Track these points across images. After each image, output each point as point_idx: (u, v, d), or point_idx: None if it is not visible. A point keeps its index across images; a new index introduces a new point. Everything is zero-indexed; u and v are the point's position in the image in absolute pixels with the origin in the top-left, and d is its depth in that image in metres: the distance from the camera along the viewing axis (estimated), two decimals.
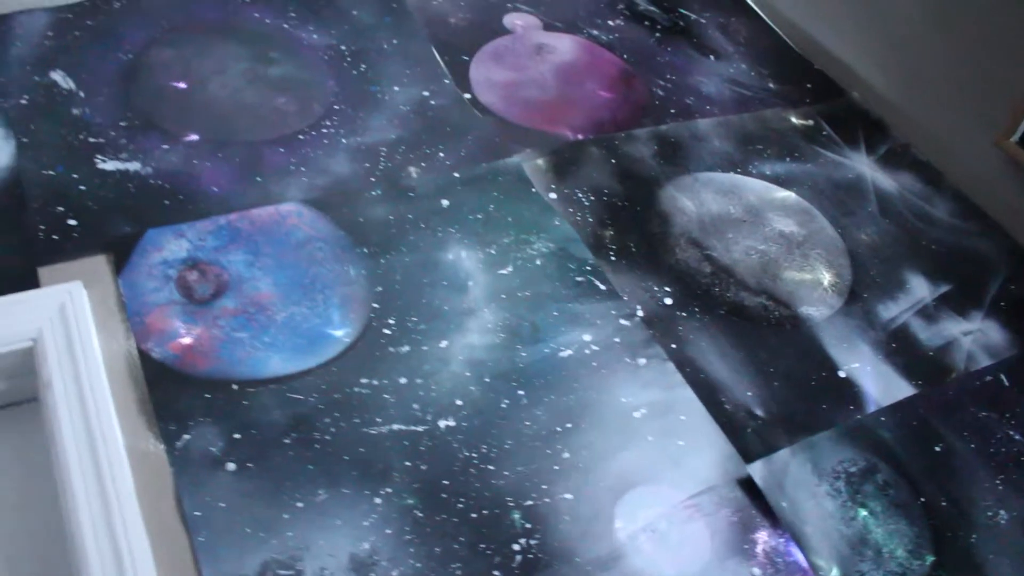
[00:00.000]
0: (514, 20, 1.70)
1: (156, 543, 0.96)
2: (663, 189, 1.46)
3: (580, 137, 1.51)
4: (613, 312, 1.25)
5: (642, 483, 1.09)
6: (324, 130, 1.41)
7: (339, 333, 1.15)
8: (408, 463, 1.04)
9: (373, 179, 1.35)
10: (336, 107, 1.45)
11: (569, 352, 1.19)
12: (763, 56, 1.81)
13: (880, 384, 1.25)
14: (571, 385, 1.16)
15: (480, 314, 1.20)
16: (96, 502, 0.97)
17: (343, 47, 1.57)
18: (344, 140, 1.40)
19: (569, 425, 1.12)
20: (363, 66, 1.54)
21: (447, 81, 1.56)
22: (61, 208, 1.24)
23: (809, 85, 1.78)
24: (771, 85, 1.74)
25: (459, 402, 1.11)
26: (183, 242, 1.22)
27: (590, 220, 1.37)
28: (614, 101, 1.60)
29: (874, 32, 1.72)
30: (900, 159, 1.65)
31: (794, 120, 1.68)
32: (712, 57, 1.78)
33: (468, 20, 1.68)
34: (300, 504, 0.99)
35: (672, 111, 1.61)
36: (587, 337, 1.21)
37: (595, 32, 1.75)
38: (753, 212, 1.47)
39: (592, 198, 1.41)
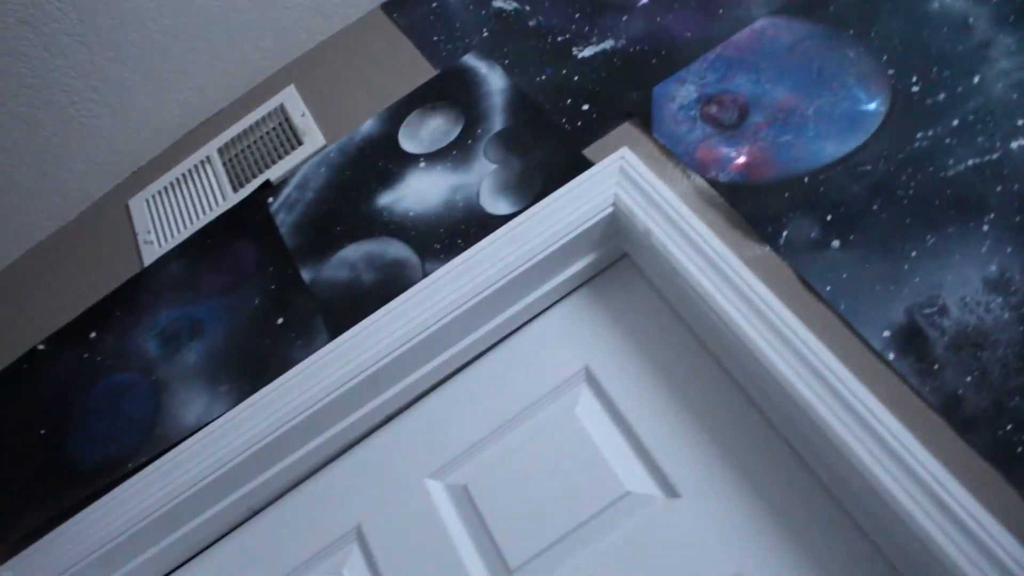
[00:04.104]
0: None
1: (807, 321, 1.09)
2: None
3: None
4: None
5: None
6: None
7: (872, 106, 1.21)
8: (999, 188, 1.09)
9: None
10: None
11: None
12: None
13: None
14: None
15: (997, 42, 1.21)
16: (742, 307, 1.11)
17: None
18: None
19: None
20: None
21: None
22: (570, 100, 1.41)
23: None
24: None
25: (1020, 122, 1.13)
26: (688, 86, 1.34)
27: None
28: None
29: None
30: None
31: None
32: None
33: None
34: (913, 253, 1.08)
35: None
36: None
37: None
38: None
39: None
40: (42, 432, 1.46)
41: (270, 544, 1.32)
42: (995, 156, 1.12)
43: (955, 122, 1.16)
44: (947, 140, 1.15)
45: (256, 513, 1.36)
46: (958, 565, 0.86)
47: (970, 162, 1.12)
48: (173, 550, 1.34)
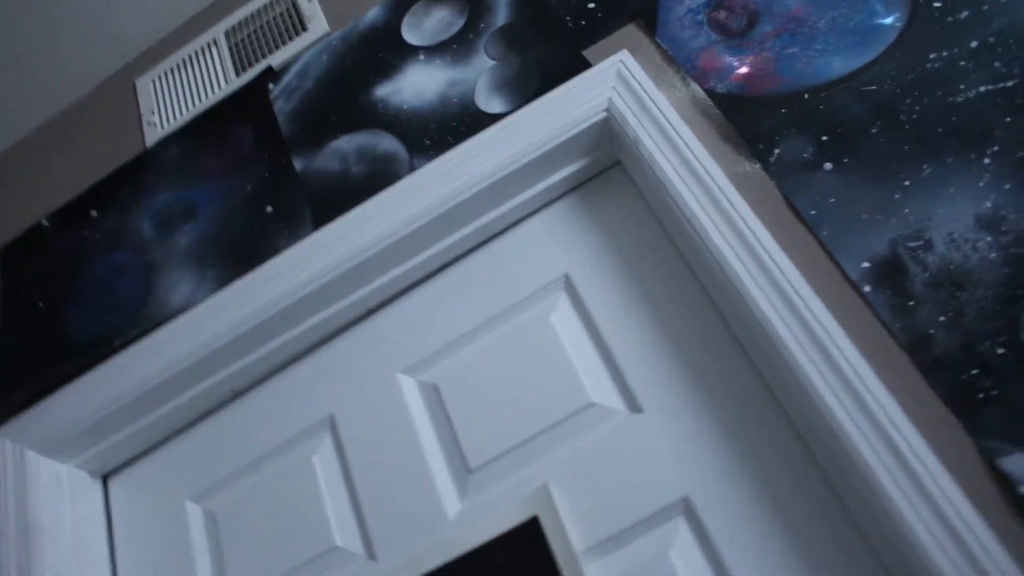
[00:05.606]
0: None
1: (785, 245, 1.04)
2: None
3: None
4: None
5: None
6: None
7: (888, 20, 1.13)
8: (1008, 119, 1.02)
9: None
10: None
11: None
12: None
13: None
14: None
15: None
16: (721, 224, 1.07)
17: None
18: None
19: None
20: None
21: None
22: None
23: None
24: None
25: None
26: None
27: None
28: None
29: None
30: None
31: None
32: None
33: None
34: (907, 182, 1.02)
35: None
36: None
37: None
38: None
39: None
40: (41, 305, 1.49)
41: (249, 427, 1.35)
42: (1010, 84, 1.04)
43: (974, 43, 1.08)
44: (962, 63, 1.07)
45: (238, 396, 1.39)
46: (896, 504, 0.84)
47: (982, 88, 1.05)
48: (159, 425, 1.37)
